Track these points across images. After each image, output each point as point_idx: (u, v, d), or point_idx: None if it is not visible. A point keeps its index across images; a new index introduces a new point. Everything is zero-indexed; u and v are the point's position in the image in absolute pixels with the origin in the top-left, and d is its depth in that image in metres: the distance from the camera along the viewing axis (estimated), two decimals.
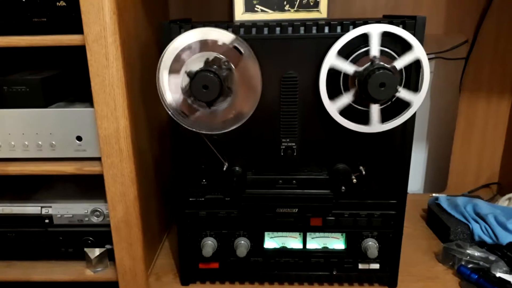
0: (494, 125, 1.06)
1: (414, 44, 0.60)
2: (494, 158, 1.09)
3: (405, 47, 0.61)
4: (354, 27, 0.61)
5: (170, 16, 0.97)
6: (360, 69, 0.60)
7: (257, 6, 0.66)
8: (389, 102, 0.64)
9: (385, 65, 0.58)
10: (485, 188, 1.12)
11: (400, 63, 0.61)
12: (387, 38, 0.61)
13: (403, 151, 0.68)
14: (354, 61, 0.62)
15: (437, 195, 1.01)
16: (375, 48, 0.60)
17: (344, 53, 0.61)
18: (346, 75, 0.62)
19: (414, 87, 0.63)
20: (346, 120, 0.63)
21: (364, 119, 0.63)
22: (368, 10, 0.98)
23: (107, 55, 0.56)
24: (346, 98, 0.62)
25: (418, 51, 0.60)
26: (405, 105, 0.63)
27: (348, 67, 0.61)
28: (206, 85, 0.59)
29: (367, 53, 0.61)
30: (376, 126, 0.63)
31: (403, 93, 0.62)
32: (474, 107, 1.05)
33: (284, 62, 0.64)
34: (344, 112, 0.63)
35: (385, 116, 0.63)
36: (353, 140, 0.67)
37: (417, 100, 0.62)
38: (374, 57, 0.60)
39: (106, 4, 0.55)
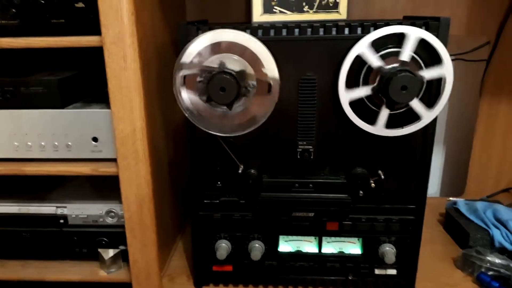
0: None
1: (445, 60, 0.58)
2: None
3: (434, 59, 0.59)
4: (375, 29, 0.60)
5: (187, 17, 0.97)
6: (387, 66, 0.59)
7: (275, 7, 0.65)
8: (400, 110, 0.62)
9: (395, 67, 0.58)
10: (505, 193, 1.09)
11: (426, 74, 0.59)
12: (420, 45, 0.59)
13: (423, 156, 0.66)
14: (365, 81, 0.60)
15: (455, 199, 0.99)
16: (407, 51, 0.58)
17: (352, 80, 0.60)
18: (369, 69, 0.60)
19: (430, 102, 0.61)
20: (353, 113, 0.62)
21: (371, 118, 0.62)
22: (388, 11, 0.96)
23: (125, 57, 0.56)
24: (362, 91, 0.61)
25: (447, 69, 0.58)
26: (415, 116, 0.61)
27: (375, 60, 0.59)
28: (223, 87, 0.58)
29: (396, 53, 0.59)
30: (380, 129, 0.62)
31: (416, 105, 0.60)
32: (495, 110, 1.03)
33: (302, 63, 0.63)
34: (354, 107, 0.62)
35: (392, 122, 0.62)
36: (372, 143, 0.66)
37: (428, 116, 0.61)
38: (379, 68, 0.59)
39: (124, 5, 0.54)
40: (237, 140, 0.67)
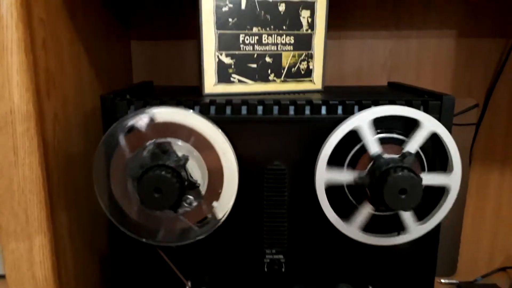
0: (509, 200, 0.92)
1: (420, 118, 0.45)
2: (510, 238, 0.94)
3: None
4: (360, 108, 0.47)
5: (134, 75, 0.81)
6: (364, 172, 0.45)
7: (233, 75, 0.51)
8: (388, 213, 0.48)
9: (395, 159, 0.44)
10: (501, 272, 0.96)
11: (413, 145, 0.46)
12: (386, 120, 0.46)
13: (425, 272, 0.52)
14: (353, 164, 0.46)
15: (446, 280, 0.85)
16: (371, 144, 0.45)
17: (337, 158, 0.46)
18: (358, 152, 0.47)
19: (442, 165, 0.48)
20: (326, 201, 0.47)
21: (392, 224, 0.47)
22: (365, 70, 0.85)
23: (16, 148, 0.39)
24: (363, 211, 0.46)
25: (429, 124, 0.45)
26: (439, 190, 0.48)
27: (347, 176, 0.45)
28: (159, 187, 0.42)
29: (397, 141, 0.46)
30: (354, 230, 0.47)
31: (431, 179, 0.46)
32: (486, 179, 0.91)
33: (268, 150, 0.48)
34: (332, 197, 0.47)
35: (375, 224, 0.48)
36: (360, 252, 0.51)
37: (453, 181, 0.47)
38: (375, 154, 0.45)
39: (14, 76, 0.38)
40: (184, 247, 0.50)
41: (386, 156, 0.45)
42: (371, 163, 0.45)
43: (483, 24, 0.84)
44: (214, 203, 0.46)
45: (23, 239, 0.42)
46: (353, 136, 0.45)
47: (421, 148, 0.46)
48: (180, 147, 0.45)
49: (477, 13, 0.83)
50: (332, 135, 0.45)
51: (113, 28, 0.70)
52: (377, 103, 0.46)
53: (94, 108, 0.58)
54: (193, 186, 0.45)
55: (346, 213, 0.47)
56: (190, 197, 0.45)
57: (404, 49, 0.85)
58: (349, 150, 0.47)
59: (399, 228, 0.47)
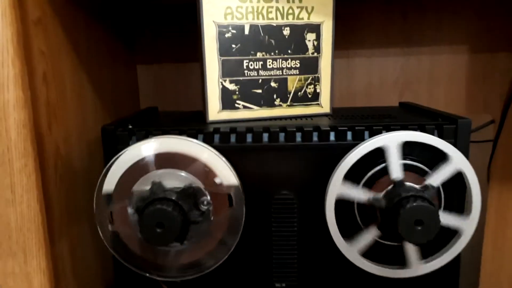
0: None
1: (450, 153, 0.43)
2: None
3: (437, 154, 0.44)
4: (370, 134, 0.44)
5: (141, 100, 0.81)
6: (380, 195, 0.43)
7: (238, 101, 0.50)
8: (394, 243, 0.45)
9: (416, 189, 0.41)
10: None
11: (435, 179, 0.43)
12: (410, 146, 0.44)
13: None
14: (369, 184, 0.44)
15: None
16: (395, 167, 0.42)
17: (353, 174, 0.43)
18: (361, 204, 0.44)
19: (459, 206, 0.45)
20: (370, 264, 0.44)
21: (396, 256, 0.45)
22: (375, 87, 0.83)
23: (13, 186, 0.38)
24: (368, 235, 0.44)
25: (457, 161, 0.43)
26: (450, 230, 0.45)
27: (361, 195, 0.43)
28: (161, 222, 0.40)
29: (385, 170, 0.43)
30: (415, 267, 0.44)
31: (446, 219, 0.44)
32: (506, 198, 0.87)
33: (275, 179, 0.46)
34: (340, 215, 0.45)
35: (425, 249, 0.45)
36: (375, 284, 0.48)
37: (468, 226, 0.44)
38: (397, 179, 0.42)
39: (11, 113, 0.37)
40: (189, 281, 0.48)
41: (407, 183, 0.42)
42: (390, 187, 0.43)
43: (497, 39, 0.81)
44: (220, 236, 0.44)
45: (22, 279, 0.40)
46: (375, 157, 0.43)
47: (411, 158, 0.44)
48: (184, 177, 0.44)
49: (490, 27, 0.80)
50: (355, 150, 0.43)
51: (119, 54, 0.69)
52: (388, 129, 0.44)
53: (98, 137, 0.57)
54: (197, 219, 0.44)
55: (350, 235, 0.44)
56: (194, 230, 0.43)
57: (415, 66, 0.83)
58: (368, 170, 0.44)
59: (402, 261, 0.45)
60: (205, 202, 0.44)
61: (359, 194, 0.43)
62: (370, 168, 0.44)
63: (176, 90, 0.82)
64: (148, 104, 0.82)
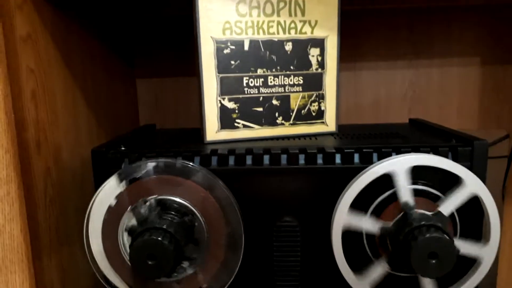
0: None
1: (464, 176, 0.39)
2: None
3: (450, 176, 0.40)
4: (379, 156, 0.41)
5: (140, 113, 0.78)
6: (389, 224, 0.39)
7: (237, 120, 0.47)
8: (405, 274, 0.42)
9: (428, 216, 0.38)
10: None
11: (449, 205, 0.40)
12: (421, 169, 0.40)
13: None
14: (377, 211, 0.41)
15: None
16: (405, 193, 0.39)
17: (361, 202, 0.40)
18: (370, 235, 0.41)
19: (476, 232, 0.42)
20: (340, 248, 0.41)
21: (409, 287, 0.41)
22: (384, 101, 0.80)
23: None
24: (379, 267, 0.40)
25: (472, 185, 0.40)
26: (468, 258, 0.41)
27: (369, 225, 0.40)
28: (152, 254, 0.37)
29: (394, 197, 0.40)
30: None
31: (463, 247, 0.40)
32: None
33: (277, 205, 0.43)
34: (347, 246, 0.41)
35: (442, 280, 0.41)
36: None
37: (488, 254, 0.41)
38: (407, 206, 0.39)
39: None
40: None
41: (418, 211, 0.39)
42: (400, 215, 0.39)
43: (508, 50, 0.78)
44: (215, 269, 0.41)
45: None
46: (383, 182, 0.40)
47: (422, 183, 0.41)
48: (178, 204, 0.41)
49: (501, 38, 0.77)
50: (360, 177, 0.39)
51: (116, 68, 0.67)
52: (398, 151, 0.41)
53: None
54: (192, 255, 0.41)
55: (359, 267, 0.41)
56: (187, 263, 0.40)
57: (424, 78, 0.80)
58: (376, 196, 0.41)
59: None
60: (186, 208, 0.40)
61: (367, 224, 0.40)
62: (379, 194, 0.41)
63: (177, 103, 0.80)
64: (148, 118, 0.79)
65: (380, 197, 0.41)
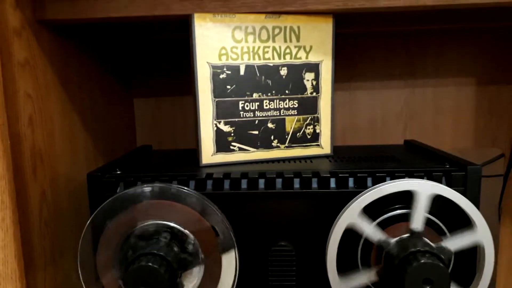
0: None
1: (477, 222, 0.40)
2: None
3: (459, 218, 0.41)
4: (373, 181, 0.42)
5: (137, 133, 0.79)
6: (392, 240, 0.39)
7: (233, 143, 0.47)
8: None
9: (432, 246, 0.38)
10: None
11: (453, 244, 0.40)
12: (436, 202, 0.40)
13: None
14: (382, 226, 0.41)
15: None
16: (419, 217, 0.39)
17: (370, 211, 0.40)
18: (367, 243, 0.41)
19: (465, 279, 0.42)
20: None
21: None
22: (379, 120, 0.80)
23: None
24: (363, 277, 0.40)
25: (481, 233, 0.40)
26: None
27: (372, 232, 0.40)
28: (146, 280, 0.37)
29: (403, 217, 0.40)
30: None
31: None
32: None
33: (272, 229, 0.43)
34: None
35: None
36: None
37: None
38: (415, 230, 0.39)
39: None
40: None
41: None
42: (408, 235, 0.39)
43: (503, 70, 0.79)
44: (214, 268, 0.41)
45: None
46: (395, 198, 0.40)
47: (432, 213, 0.40)
48: (173, 229, 0.41)
49: (496, 59, 0.78)
50: (384, 185, 0.39)
51: (114, 89, 0.68)
52: (392, 175, 0.41)
53: None
54: (187, 263, 0.40)
55: (345, 269, 0.41)
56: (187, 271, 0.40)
57: (420, 98, 0.81)
58: (388, 210, 0.41)
59: None
60: (181, 233, 0.40)
61: (371, 231, 0.39)
62: (392, 209, 0.41)
63: (174, 123, 0.80)
64: (145, 138, 0.80)
65: (391, 212, 0.41)
